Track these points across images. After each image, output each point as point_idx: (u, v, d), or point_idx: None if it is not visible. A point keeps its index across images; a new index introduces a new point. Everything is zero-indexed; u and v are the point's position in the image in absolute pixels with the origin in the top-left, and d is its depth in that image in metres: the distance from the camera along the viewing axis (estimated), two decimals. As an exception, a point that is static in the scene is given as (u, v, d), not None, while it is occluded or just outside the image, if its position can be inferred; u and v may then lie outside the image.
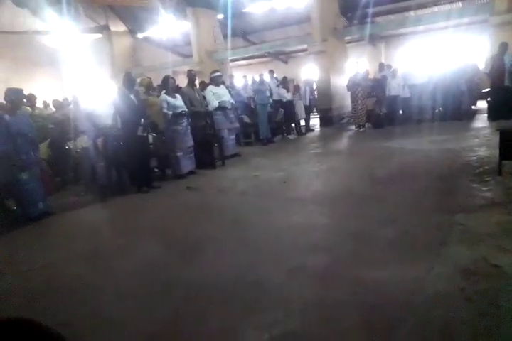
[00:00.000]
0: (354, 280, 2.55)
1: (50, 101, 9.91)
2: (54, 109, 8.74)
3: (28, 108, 7.18)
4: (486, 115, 8.79)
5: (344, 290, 2.44)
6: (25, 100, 6.26)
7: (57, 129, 6.93)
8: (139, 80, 7.10)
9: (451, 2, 12.53)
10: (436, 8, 12.81)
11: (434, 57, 13.57)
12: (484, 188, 4.06)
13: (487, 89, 9.20)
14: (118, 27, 17.06)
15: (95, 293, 2.78)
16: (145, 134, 5.77)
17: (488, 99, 8.93)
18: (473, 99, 9.86)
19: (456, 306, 2.15)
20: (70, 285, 2.95)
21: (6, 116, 4.51)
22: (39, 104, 9.83)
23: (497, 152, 4.42)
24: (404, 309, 2.17)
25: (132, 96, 5.64)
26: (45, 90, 13.88)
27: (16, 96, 4.68)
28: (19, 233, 4.46)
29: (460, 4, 12.39)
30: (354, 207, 4.04)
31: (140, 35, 17.70)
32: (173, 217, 4.50)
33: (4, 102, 5.04)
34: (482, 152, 5.60)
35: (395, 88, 9.69)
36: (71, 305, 2.63)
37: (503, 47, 8.13)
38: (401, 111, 9.93)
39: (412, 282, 2.44)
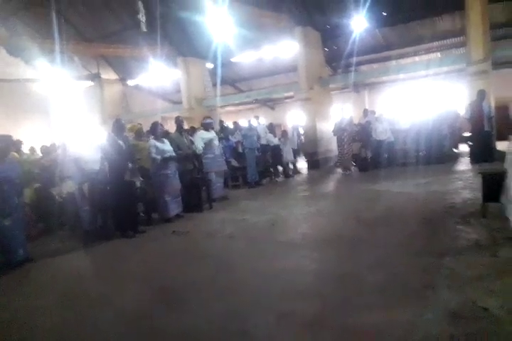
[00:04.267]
0: (343, 327, 2.51)
1: (37, 147, 9.95)
2: (41, 155, 8.75)
3: (15, 153, 7.19)
4: (469, 158, 9.04)
5: (334, 338, 2.39)
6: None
7: (43, 175, 6.90)
8: (129, 126, 7.23)
9: (430, 52, 13.37)
10: (416, 58, 13.62)
11: (416, 103, 14.23)
12: (469, 230, 4.09)
13: (468, 133, 9.56)
14: (109, 75, 17.65)
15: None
16: (132, 179, 5.77)
17: (470, 143, 9.24)
18: (455, 142, 10.20)
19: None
20: (49, 337, 2.81)
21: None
22: (26, 150, 9.87)
23: (480, 194, 4.51)
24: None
25: (121, 142, 5.70)
26: (33, 136, 14.04)
27: (4, 144, 4.71)
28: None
29: (439, 54, 13.21)
30: (342, 251, 4.03)
31: (131, 83, 18.27)
32: (158, 262, 4.39)
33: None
34: (466, 194, 5.70)
35: (381, 133, 10.00)
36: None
37: (481, 94, 8.56)
38: (386, 155, 10.17)
39: (402, 328, 2.41)
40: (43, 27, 14.50)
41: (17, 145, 7.97)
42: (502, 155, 3.94)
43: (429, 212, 5.02)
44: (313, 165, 11.97)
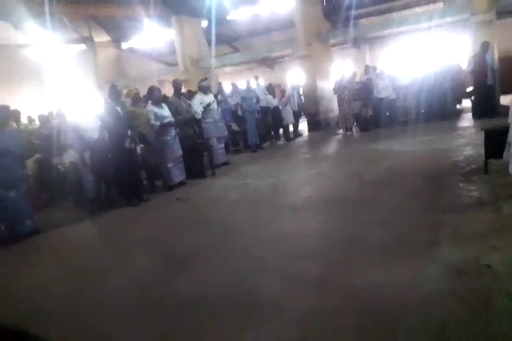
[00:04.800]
0: (348, 285, 2.57)
1: (34, 116, 9.82)
2: (39, 124, 8.65)
3: (14, 124, 7.10)
4: (471, 114, 8.90)
5: (339, 296, 2.47)
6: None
7: (43, 145, 6.85)
8: (125, 91, 7.07)
9: (433, 2, 12.75)
10: (418, 9, 13.01)
11: (418, 57, 13.76)
12: (472, 188, 4.11)
13: (471, 88, 9.33)
14: (101, 37, 17.03)
15: (90, 310, 2.75)
16: (133, 146, 5.74)
17: (472, 97, 9.05)
18: (458, 98, 9.99)
19: (450, 307, 2.17)
20: (64, 304, 2.91)
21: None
22: (24, 119, 9.74)
23: (482, 151, 4.48)
24: (398, 312, 2.19)
25: (118, 108, 5.60)
26: (29, 104, 13.78)
27: (2, 114, 4.63)
28: (7, 252, 4.37)
29: (441, 5, 12.60)
30: (345, 212, 4.07)
31: (124, 46, 17.68)
32: (165, 229, 4.47)
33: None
34: (468, 151, 5.67)
35: (383, 90, 9.78)
36: (66, 323, 2.61)
37: (485, 46, 8.27)
38: (387, 113, 10.01)
39: (406, 284, 2.46)
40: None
41: (16, 115, 7.84)
42: (505, 110, 3.85)
43: (432, 170, 5.01)
44: (314, 126, 11.81)
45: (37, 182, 6.34)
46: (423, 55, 13.30)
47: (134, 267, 3.43)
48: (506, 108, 3.89)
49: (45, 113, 9.09)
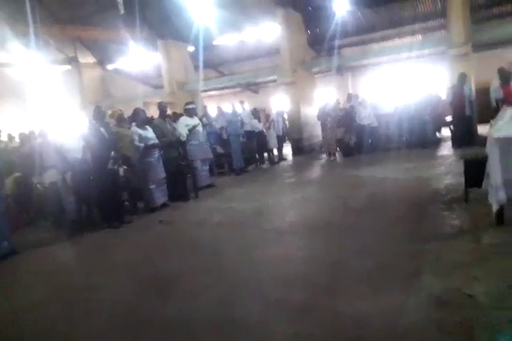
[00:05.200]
0: (332, 313, 2.56)
1: (15, 134, 9.65)
2: (19, 142, 8.49)
3: (-7, 142, 6.97)
4: (450, 143, 9.18)
5: (323, 323, 2.46)
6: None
7: (23, 163, 6.71)
8: (109, 112, 7.05)
9: (412, 35, 13.36)
10: (398, 41, 13.59)
11: (398, 86, 14.25)
12: (453, 216, 4.18)
13: (449, 118, 9.66)
14: (87, 58, 17.10)
15: (68, 332, 2.69)
16: (116, 167, 5.68)
17: (452, 127, 9.36)
18: (437, 127, 10.32)
19: (433, 338, 2.17)
20: (40, 329, 2.82)
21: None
22: (4, 137, 9.57)
23: (462, 179, 4.59)
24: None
25: (102, 129, 5.58)
26: (10, 122, 13.57)
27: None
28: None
29: (420, 37, 13.20)
30: (329, 237, 4.08)
31: (110, 67, 17.77)
32: (146, 252, 4.38)
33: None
34: (448, 180, 5.80)
35: (365, 117, 10.04)
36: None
37: (462, 77, 8.63)
38: (369, 140, 10.24)
39: (388, 314, 2.46)
40: (16, 8, 13.85)
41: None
42: (483, 140, 4.00)
43: (414, 198, 5.10)
44: (298, 150, 11.96)
45: (16, 201, 6.16)
46: (403, 84, 13.80)
47: (114, 290, 3.35)
48: (484, 138, 4.03)
49: (26, 131, 8.96)
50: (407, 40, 13.35)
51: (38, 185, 6.31)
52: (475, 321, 2.25)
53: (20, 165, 6.89)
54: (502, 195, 3.39)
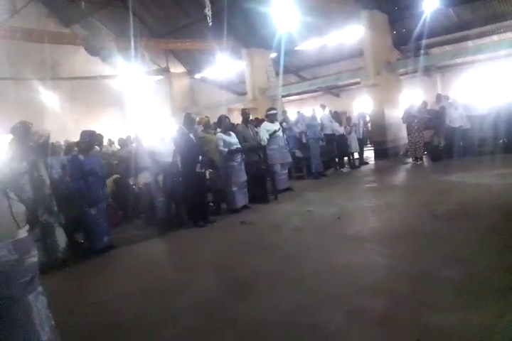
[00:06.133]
0: (416, 326, 2.43)
1: (114, 139, 10.68)
2: (119, 147, 9.38)
3: (97, 147, 7.79)
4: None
5: (406, 337, 2.34)
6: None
7: (121, 166, 7.42)
8: (197, 119, 7.51)
9: (511, 30, 12.18)
10: (495, 37, 12.50)
11: (495, 86, 13.06)
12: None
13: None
14: (177, 68, 18.32)
15: (156, 328, 2.87)
16: (203, 170, 6.03)
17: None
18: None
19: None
20: (132, 320, 3.07)
21: (81, 156, 4.96)
22: (104, 142, 10.63)
23: None
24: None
25: (191, 135, 5.97)
26: (110, 129, 15.07)
27: (90, 138, 5.15)
28: (86, 266, 4.73)
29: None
30: (414, 246, 3.87)
31: (197, 76, 18.81)
32: (228, 252, 4.58)
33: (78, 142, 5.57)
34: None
35: (457, 119, 9.39)
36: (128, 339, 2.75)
37: None
38: (461, 143, 9.53)
39: (481, 330, 2.29)
40: (117, 25, 15.41)
41: (99, 139, 8.61)
42: None
43: (510, 206, 4.66)
44: (381, 154, 11.56)
45: (114, 200, 6.83)
46: (501, 84, 12.61)
47: (199, 288, 3.53)
48: None
49: (124, 137, 9.88)
50: (505, 35, 12.20)
51: (134, 186, 6.92)
52: None
53: (118, 167, 7.61)
54: None
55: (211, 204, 6.87)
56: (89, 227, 5.00)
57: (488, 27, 12.26)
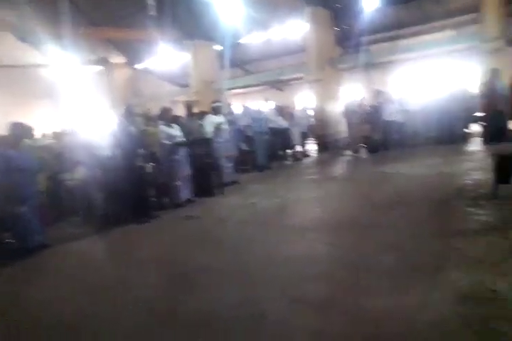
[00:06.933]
0: (355, 310, 2.56)
1: (49, 133, 10.02)
2: (52, 141, 8.80)
3: (27, 140, 7.26)
4: (480, 138, 8.91)
5: (345, 320, 2.46)
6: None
7: (55, 161, 6.98)
8: (138, 111, 7.25)
9: (443, 30, 12.99)
10: (428, 36, 13.26)
11: (428, 82, 13.88)
12: (480, 212, 4.08)
13: (480, 113, 9.37)
14: (118, 59, 17.57)
15: (100, 326, 2.79)
16: (143, 164, 5.84)
17: (482, 123, 9.07)
18: (467, 122, 10.02)
19: (457, 333, 2.16)
20: (75, 319, 2.94)
21: (10, 152, 4.60)
22: (38, 136, 9.94)
23: (491, 175, 4.47)
24: (404, 338, 2.17)
25: (132, 128, 5.75)
26: (44, 122, 14.08)
27: (16, 131, 4.79)
28: (16, 266, 4.41)
29: (451, 32, 12.82)
30: (353, 234, 4.04)
31: (139, 66, 18.18)
32: (172, 247, 4.49)
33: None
34: (477, 176, 5.65)
35: (392, 113, 9.87)
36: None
37: (495, 73, 8.36)
38: (396, 136, 10.05)
39: (412, 309, 2.45)
40: (52, 12, 14.40)
41: (29, 132, 8.02)
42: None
43: (440, 194, 4.99)
44: (322, 147, 11.90)
45: (47, 197, 6.42)
46: (433, 81, 13.44)
47: (141, 284, 3.44)
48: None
49: (59, 130, 9.30)
50: (437, 35, 12.99)
51: (68, 182, 6.54)
52: (500, 316, 2.22)
53: (52, 162, 7.15)
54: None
55: (153, 199, 6.67)
56: (19, 225, 4.66)
57: (421, 27, 12.98)
